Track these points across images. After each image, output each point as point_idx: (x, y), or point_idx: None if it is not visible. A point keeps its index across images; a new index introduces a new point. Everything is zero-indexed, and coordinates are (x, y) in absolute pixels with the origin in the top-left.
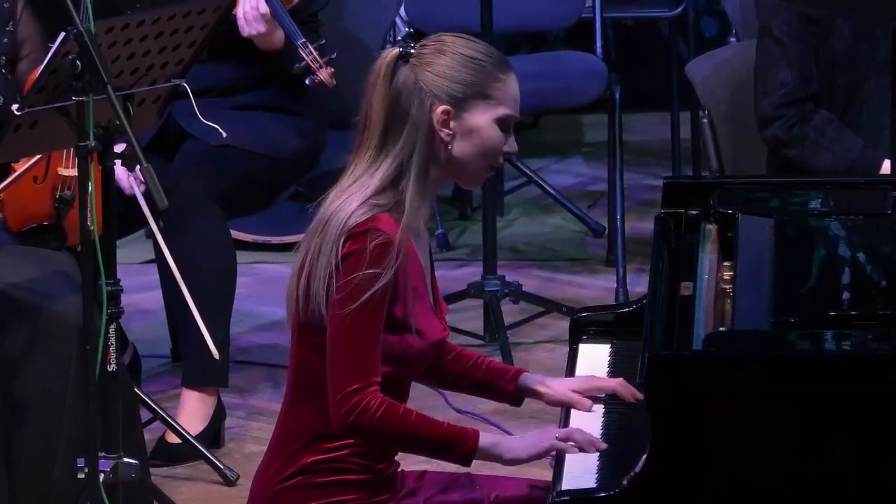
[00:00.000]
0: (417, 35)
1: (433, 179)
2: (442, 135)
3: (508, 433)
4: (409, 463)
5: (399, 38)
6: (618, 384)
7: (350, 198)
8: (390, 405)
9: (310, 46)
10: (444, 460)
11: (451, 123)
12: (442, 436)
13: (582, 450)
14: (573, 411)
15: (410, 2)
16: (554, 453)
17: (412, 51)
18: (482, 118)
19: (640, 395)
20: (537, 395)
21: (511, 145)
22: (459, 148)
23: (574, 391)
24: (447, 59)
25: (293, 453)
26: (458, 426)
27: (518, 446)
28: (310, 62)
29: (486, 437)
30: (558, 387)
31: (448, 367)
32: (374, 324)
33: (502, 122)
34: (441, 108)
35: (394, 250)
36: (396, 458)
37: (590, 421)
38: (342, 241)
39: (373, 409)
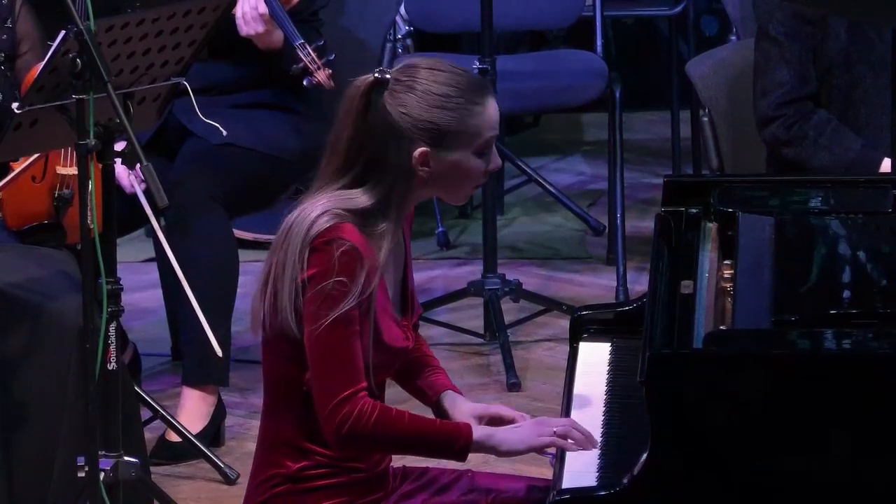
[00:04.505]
0: (417, 34)
1: (410, 205)
2: (422, 174)
3: None
4: (411, 460)
5: (399, 36)
6: (517, 417)
7: (312, 206)
8: (383, 408)
9: (308, 48)
10: (439, 458)
11: (431, 163)
12: (436, 435)
13: (580, 447)
14: (574, 405)
15: (410, 1)
16: (554, 451)
17: (387, 77)
18: (462, 153)
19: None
20: (449, 416)
21: (494, 162)
22: (440, 183)
23: (477, 419)
24: (420, 98)
25: (279, 461)
26: (451, 422)
27: (513, 439)
28: (308, 63)
29: (479, 431)
30: (461, 412)
31: (405, 365)
32: (352, 331)
33: (482, 149)
34: (420, 150)
35: (361, 259)
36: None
37: (590, 419)
38: (307, 254)
39: (366, 414)
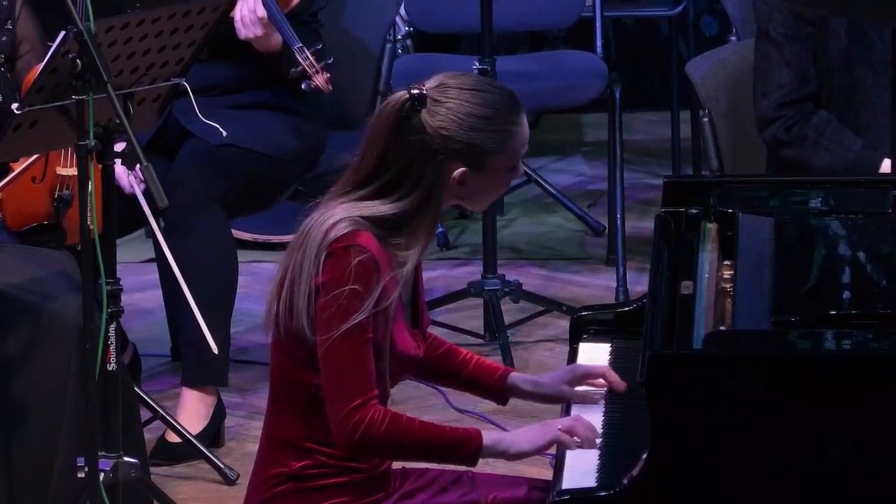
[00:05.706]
0: (417, 35)
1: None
2: (458, 192)
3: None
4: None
5: (399, 37)
6: (605, 370)
7: (331, 211)
8: (394, 415)
9: (306, 51)
10: (450, 464)
11: (468, 182)
12: (447, 440)
13: (585, 443)
14: (574, 406)
15: (410, 1)
16: (554, 451)
17: (422, 94)
18: (498, 171)
19: (621, 385)
20: (527, 396)
21: (518, 171)
22: (470, 197)
23: (567, 384)
24: (461, 120)
25: (282, 459)
26: (460, 428)
27: (521, 440)
28: (306, 67)
29: (489, 435)
30: (549, 384)
31: (437, 362)
32: (365, 339)
33: (515, 165)
34: (459, 170)
35: (378, 270)
36: None
37: (590, 419)
38: (322, 258)
39: (378, 421)
